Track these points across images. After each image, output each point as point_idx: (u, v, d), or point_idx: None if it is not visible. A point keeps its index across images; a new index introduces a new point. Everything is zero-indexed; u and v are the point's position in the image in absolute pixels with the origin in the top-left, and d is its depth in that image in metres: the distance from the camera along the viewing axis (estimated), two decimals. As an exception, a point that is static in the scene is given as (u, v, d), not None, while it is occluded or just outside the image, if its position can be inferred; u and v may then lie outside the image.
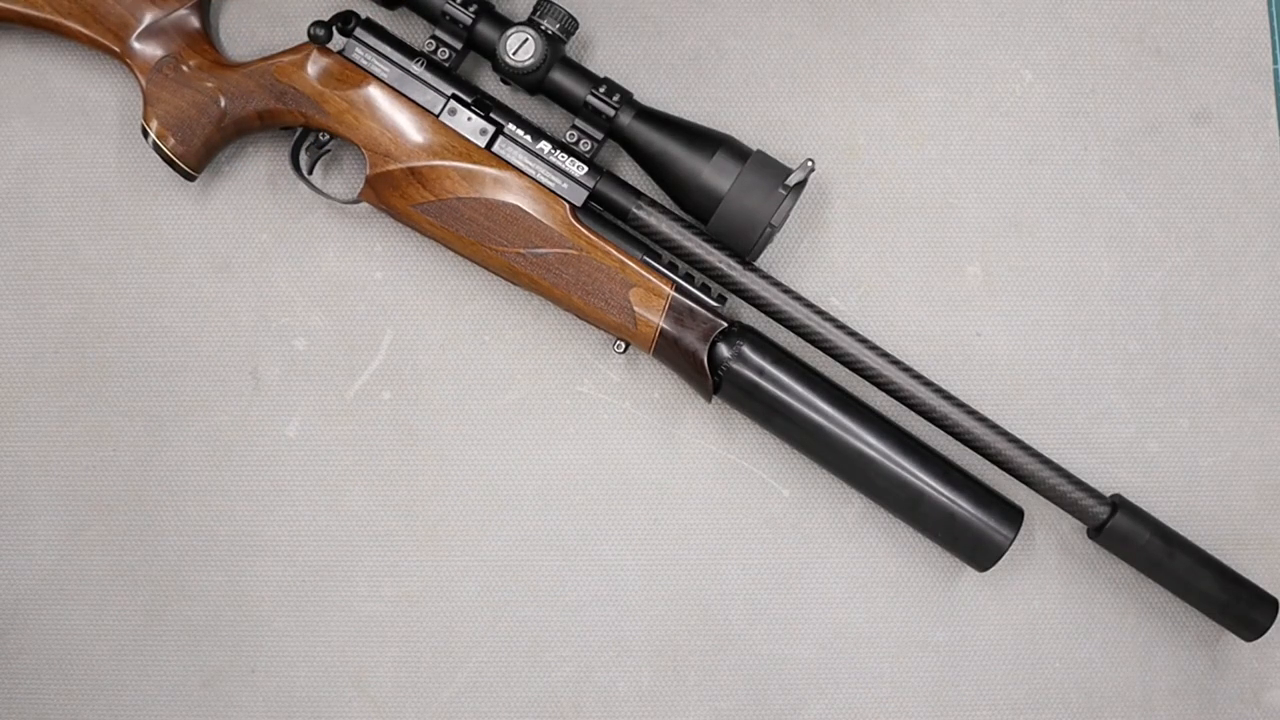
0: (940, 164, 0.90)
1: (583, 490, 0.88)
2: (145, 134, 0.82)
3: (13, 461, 0.88)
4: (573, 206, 0.82)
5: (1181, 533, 0.84)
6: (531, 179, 0.82)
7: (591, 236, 0.82)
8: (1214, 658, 0.88)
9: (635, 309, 0.82)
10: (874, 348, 0.83)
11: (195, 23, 0.84)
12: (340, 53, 0.82)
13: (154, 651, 0.87)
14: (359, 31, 0.83)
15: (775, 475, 0.89)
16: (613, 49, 0.90)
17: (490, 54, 0.80)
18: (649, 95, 0.87)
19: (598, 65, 0.88)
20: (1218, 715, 0.88)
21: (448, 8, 0.80)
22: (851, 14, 0.91)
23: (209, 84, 0.82)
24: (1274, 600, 0.84)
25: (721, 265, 0.82)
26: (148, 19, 0.82)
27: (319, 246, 0.89)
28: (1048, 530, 0.89)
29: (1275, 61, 0.91)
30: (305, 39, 0.82)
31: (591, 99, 0.81)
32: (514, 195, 0.82)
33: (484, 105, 0.83)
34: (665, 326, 0.82)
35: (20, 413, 0.88)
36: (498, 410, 0.89)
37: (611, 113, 0.81)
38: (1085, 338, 0.89)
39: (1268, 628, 0.83)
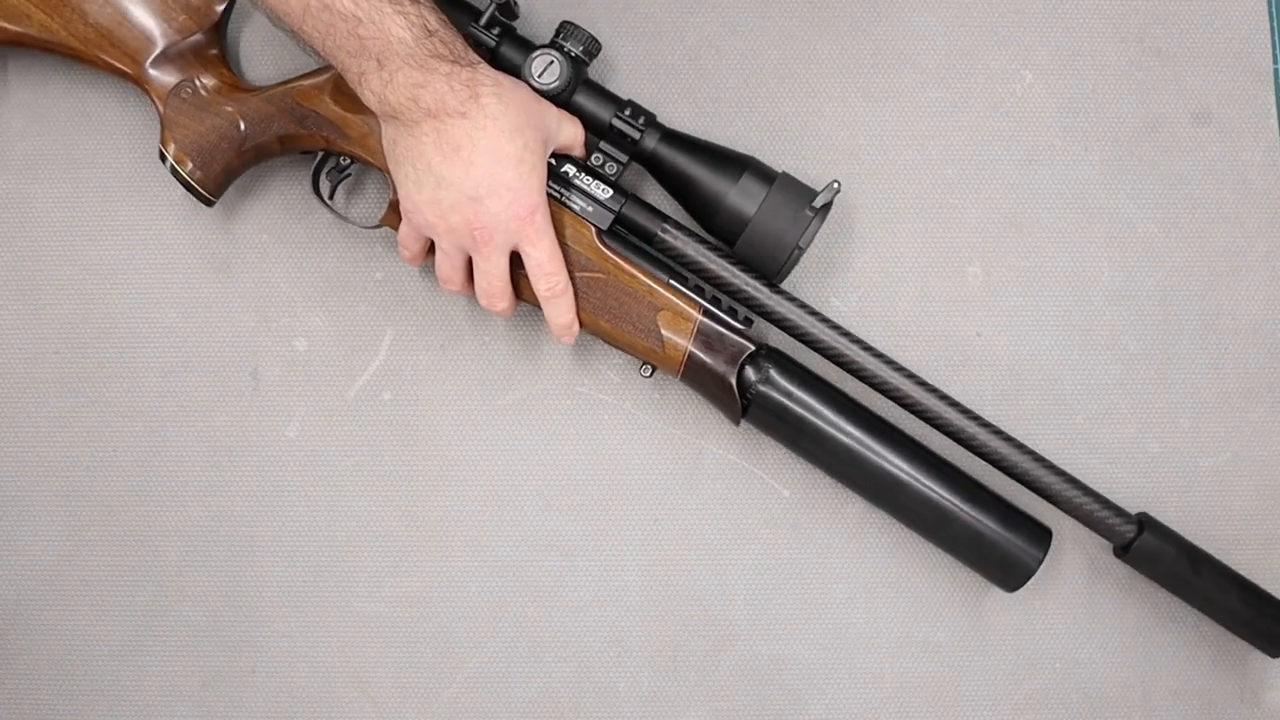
0: (940, 164, 0.90)
1: (583, 490, 0.88)
2: (163, 158, 0.82)
3: (13, 461, 0.88)
4: (599, 230, 0.81)
5: (1181, 533, 0.84)
6: (557, 202, 0.81)
7: (618, 260, 0.81)
8: (1214, 658, 0.88)
9: (663, 332, 0.81)
10: (900, 369, 0.82)
11: (212, 47, 0.83)
12: None
13: (154, 652, 0.87)
14: None
15: (775, 475, 0.89)
16: (612, 49, 0.90)
17: (513, 75, 0.80)
18: (648, 96, 0.87)
19: (596, 65, 0.88)
20: (1218, 716, 0.88)
21: (471, 30, 0.80)
22: (851, 14, 0.91)
23: (228, 108, 0.82)
24: None
25: (748, 288, 0.82)
26: (164, 44, 0.82)
27: (319, 246, 0.89)
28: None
29: (1275, 61, 0.91)
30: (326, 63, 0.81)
31: (616, 122, 0.80)
32: None
33: None
34: (694, 350, 0.81)
35: (20, 413, 0.88)
36: (498, 410, 0.89)
37: (637, 136, 0.81)
38: (1085, 338, 0.89)
39: None
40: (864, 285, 0.90)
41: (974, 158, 0.90)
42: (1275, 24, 0.91)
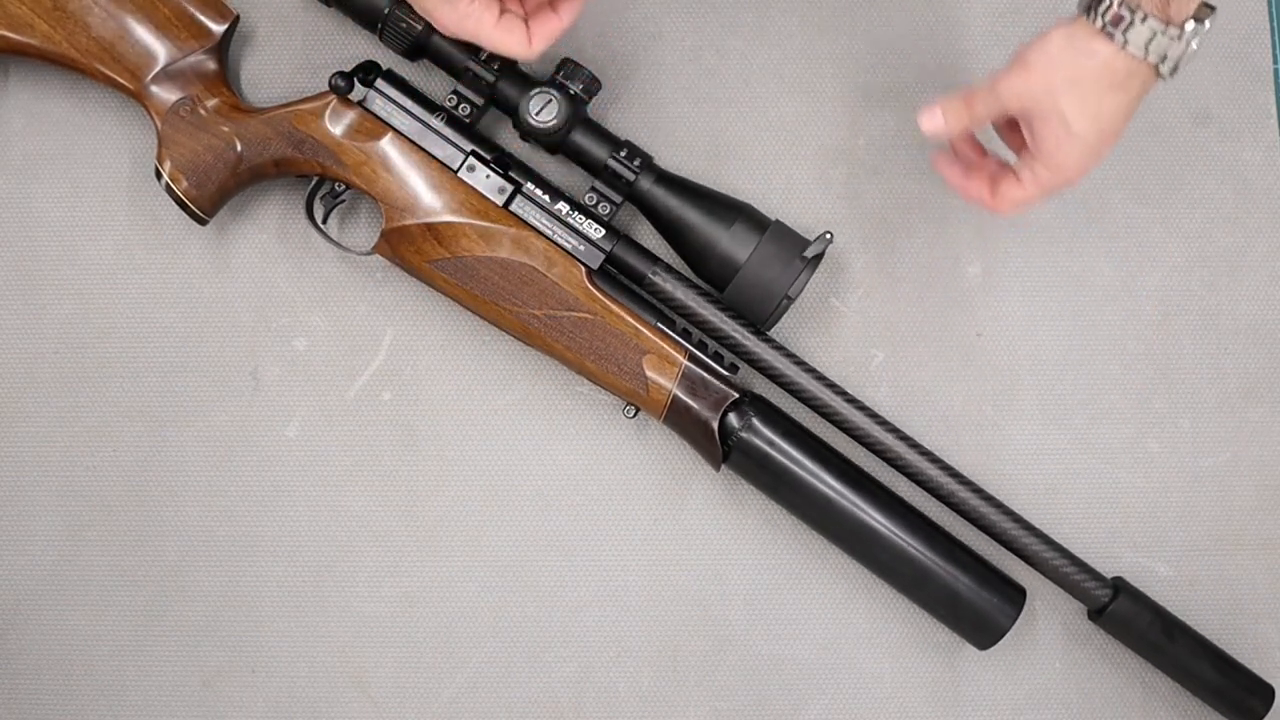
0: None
1: (583, 490, 0.88)
2: (158, 175, 0.82)
3: (13, 461, 0.88)
4: (589, 269, 0.81)
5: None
6: (549, 240, 0.81)
7: (607, 301, 0.81)
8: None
9: (648, 375, 0.81)
10: (883, 422, 0.82)
11: (213, 66, 0.83)
12: (361, 104, 0.81)
13: (154, 651, 0.87)
14: (380, 83, 0.81)
15: (775, 475, 0.89)
16: (611, 50, 0.90)
17: (512, 112, 0.80)
18: (648, 97, 0.87)
19: (594, 65, 0.88)
20: (1217, 714, 0.88)
21: (470, 64, 0.80)
22: (851, 14, 0.91)
23: (225, 129, 0.81)
24: (1270, 688, 0.83)
25: (736, 334, 0.82)
26: (165, 60, 0.81)
27: (319, 246, 0.89)
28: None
29: (1275, 61, 0.91)
30: (327, 88, 0.81)
31: (612, 163, 0.80)
32: (530, 256, 0.81)
33: (503, 163, 0.82)
34: (678, 394, 0.81)
35: (20, 413, 0.88)
36: (498, 410, 0.89)
37: (631, 177, 0.81)
38: (1085, 338, 0.89)
39: (1264, 715, 0.83)
40: (864, 285, 0.90)
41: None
42: (1275, 24, 0.91)
